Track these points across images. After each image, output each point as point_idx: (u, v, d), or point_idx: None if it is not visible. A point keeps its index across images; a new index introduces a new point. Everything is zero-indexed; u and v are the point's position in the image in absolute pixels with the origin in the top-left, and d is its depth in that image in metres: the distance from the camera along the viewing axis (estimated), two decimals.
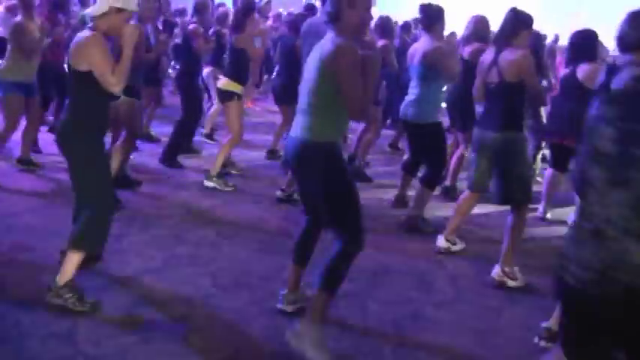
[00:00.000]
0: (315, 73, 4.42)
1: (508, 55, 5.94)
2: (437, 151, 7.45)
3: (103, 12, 4.90)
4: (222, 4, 13.23)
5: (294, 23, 9.40)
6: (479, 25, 8.30)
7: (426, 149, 7.49)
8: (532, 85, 5.98)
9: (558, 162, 8.01)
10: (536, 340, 4.96)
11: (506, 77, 5.93)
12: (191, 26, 9.42)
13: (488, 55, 6.20)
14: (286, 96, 9.05)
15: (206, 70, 10.70)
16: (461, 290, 5.97)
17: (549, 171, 8.25)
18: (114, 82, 4.84)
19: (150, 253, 6.15)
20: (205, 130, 11.12)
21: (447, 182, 8.94)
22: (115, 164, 7.28)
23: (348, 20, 4.38)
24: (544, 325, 4.97)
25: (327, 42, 4.41)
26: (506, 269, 6.07)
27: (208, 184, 8.38)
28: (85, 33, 4.94)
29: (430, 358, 4.75)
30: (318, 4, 10.01)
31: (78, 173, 5.00)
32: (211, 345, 4.64)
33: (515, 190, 6.07)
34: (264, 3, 12.48)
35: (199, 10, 9.69)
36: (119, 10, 4.93)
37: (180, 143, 9.53)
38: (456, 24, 11.53)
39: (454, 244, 6.76)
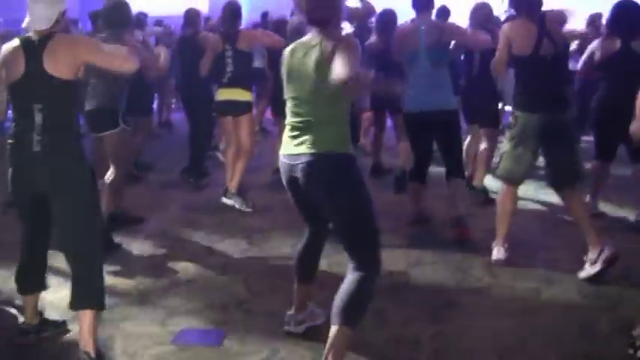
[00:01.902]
0: (316, 79, 4.09)
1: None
2: (459, 141, 6.95)
3: (56, 20, 4.28)
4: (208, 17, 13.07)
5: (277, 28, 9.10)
6: (477, 13, 7.93)
7: (449, 140, 6.84)
8: None
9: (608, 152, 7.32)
10: (631, 351, 4.40)
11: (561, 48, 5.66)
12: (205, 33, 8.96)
13: (524, 29, 5.77)
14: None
15: None
16: (496, 275, 5.89)
17: (596, 162, 7.46)
18: (126, 56, 4.37)
19: (182, 265, 6.14)
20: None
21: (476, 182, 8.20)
22: (104, 206, 6.38)
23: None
24: (635, 332, 4.45)
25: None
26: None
27: (227, 201, 7.99)
28: (60, 36, 4.25)
29: (470, 343, 4.69)
30: None
31: (77, 211, 4.28)
32: (248, 348, 4.60)
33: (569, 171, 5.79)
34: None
35: (191, 21, 9.20)
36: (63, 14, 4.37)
37: (202, 156, 9.29)
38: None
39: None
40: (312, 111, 4.15)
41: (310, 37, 4.23)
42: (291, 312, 4.76)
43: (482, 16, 7.90)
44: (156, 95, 12.39)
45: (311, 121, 4.14)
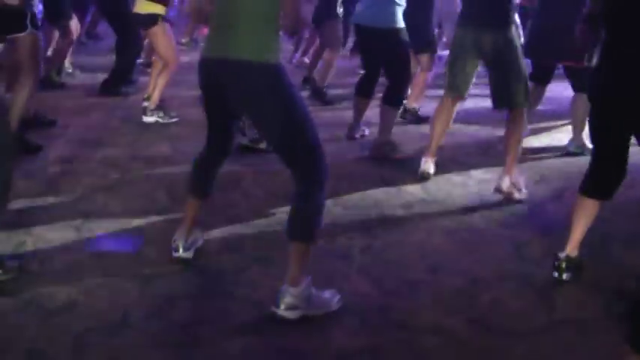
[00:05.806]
0: None
1: None
2: (402, 61, 6.58)
3: None
4: None
5: None
6: None
7: (389, 59, 6.62)
8: None
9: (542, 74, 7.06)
10: (555, 274, 4.27)
11: None
12: None
13: None
14: None
15: None
16: (430, 192, 5.74)
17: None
18: None
19: (102, 171, 5.85)
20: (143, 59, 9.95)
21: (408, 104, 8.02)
22: (16, 112, 5.94)
23: None
24: (561, 255, 4.28)
25: None
26: (513, 180, 5.59)
27: (148, 119, 7.50)
28: None
29: (400, 257, 4.53)
30: None
31: None
32: (166, 256, 4.31)
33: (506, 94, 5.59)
34: None
35: None
36: None
37: (125, 71, 8.74)
38: None
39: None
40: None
41: None
42: (179, 235, 4.30)
43: None
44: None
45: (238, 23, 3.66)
